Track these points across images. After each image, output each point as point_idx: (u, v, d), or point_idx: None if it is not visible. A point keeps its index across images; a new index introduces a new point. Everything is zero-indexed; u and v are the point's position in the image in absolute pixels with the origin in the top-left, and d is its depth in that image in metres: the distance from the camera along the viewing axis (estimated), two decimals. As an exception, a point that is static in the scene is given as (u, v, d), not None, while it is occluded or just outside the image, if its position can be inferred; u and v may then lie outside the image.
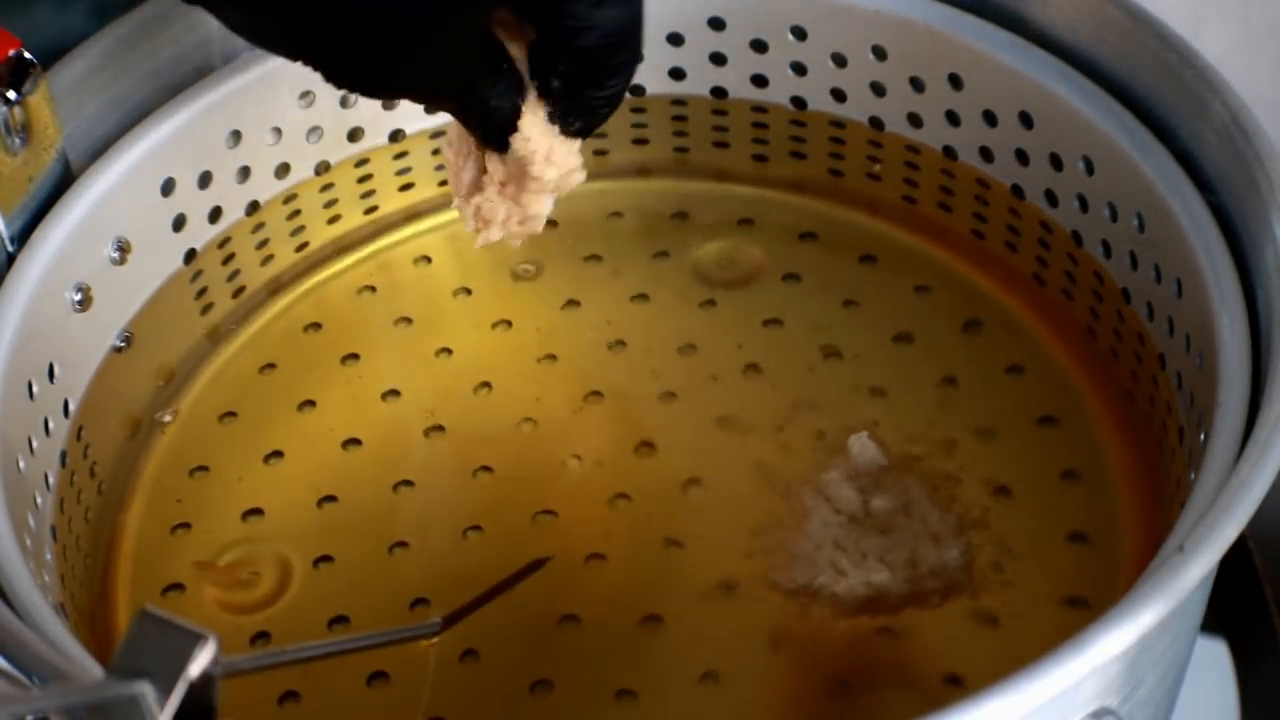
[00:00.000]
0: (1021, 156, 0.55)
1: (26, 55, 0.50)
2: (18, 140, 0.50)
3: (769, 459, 0.52)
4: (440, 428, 0.54)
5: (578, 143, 0.46)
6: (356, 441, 0.53)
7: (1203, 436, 0.45)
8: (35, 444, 0.49)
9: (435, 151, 0.60)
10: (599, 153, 0.60)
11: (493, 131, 0.46)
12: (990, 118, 0.55)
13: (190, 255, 0.56)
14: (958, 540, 0.49)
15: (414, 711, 0.47)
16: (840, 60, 0.58)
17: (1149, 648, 0.40)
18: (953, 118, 0.56)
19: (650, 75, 0.60)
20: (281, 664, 0.44)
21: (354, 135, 0.59)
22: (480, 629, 0.48)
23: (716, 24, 0.59)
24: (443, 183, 0.60)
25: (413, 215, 0.59)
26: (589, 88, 0.45)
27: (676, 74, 0.60)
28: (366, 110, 0.58)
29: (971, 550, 0.49)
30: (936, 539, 0.49)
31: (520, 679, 0.48)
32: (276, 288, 0.57)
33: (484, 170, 0.48)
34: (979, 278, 0.56)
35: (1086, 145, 0.52)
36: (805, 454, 0.52)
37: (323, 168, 0.59)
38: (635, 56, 0.45)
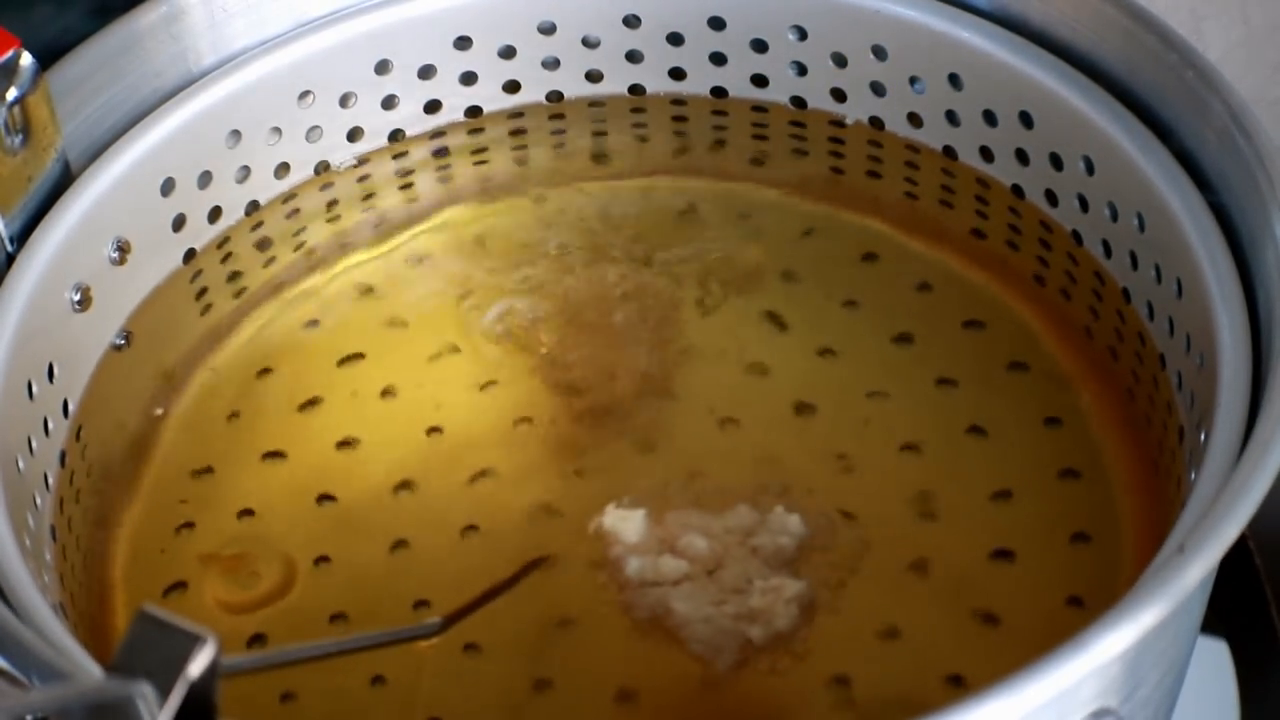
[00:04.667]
0: (1021, 156, 0.55)
1: (26, 55, 0.50)
2: (17, 140, 0.50)
3: (770, 459, 0.52)
4: (440, 428, 0.53)
5: None
6: (356, 441, 0.53)
7: (1203, 436, 0.45)
8: (35, 444, 0.49)
9: (435, 151, 0.60)
10: (599, 152, 0.60)
11: None
12: (990, 118, 0.55)
13: (190, 255, 0.56)
14: (767, 517, 0.49)
15: (413, 711, 0.47)
16: (840, 60, 0.58)
17: (1149, 648, 0.40)
18: (953, 118, 0.56)
19: (650, 75, 0.60)
20: (281, 664, 0.44)
21: (354, 135, 0.59)
22: (480, 629, 0.48)
23: (716, 24, 0.59)
24: (443, 181, 0.60)
25: (413, 215, 0.59)
26: None
27: (676, 74, 0.60)
28: (366, 110, 0.59)
29: (800, 507, 0.50)
30: (757, 531, 0.49)
31: (520, 679, 0.48)
32: (276, 288, 0.57)
33: None
34: (979, 278, 0.56)
35: (1086, 145, 0.52)
36: (809, 454, 0.52)
37: (322, 168, 0.59)
38: None
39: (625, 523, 0.50)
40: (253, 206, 0.58)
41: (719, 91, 0.60)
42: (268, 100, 0.56)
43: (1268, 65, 0.75)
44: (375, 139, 0.59)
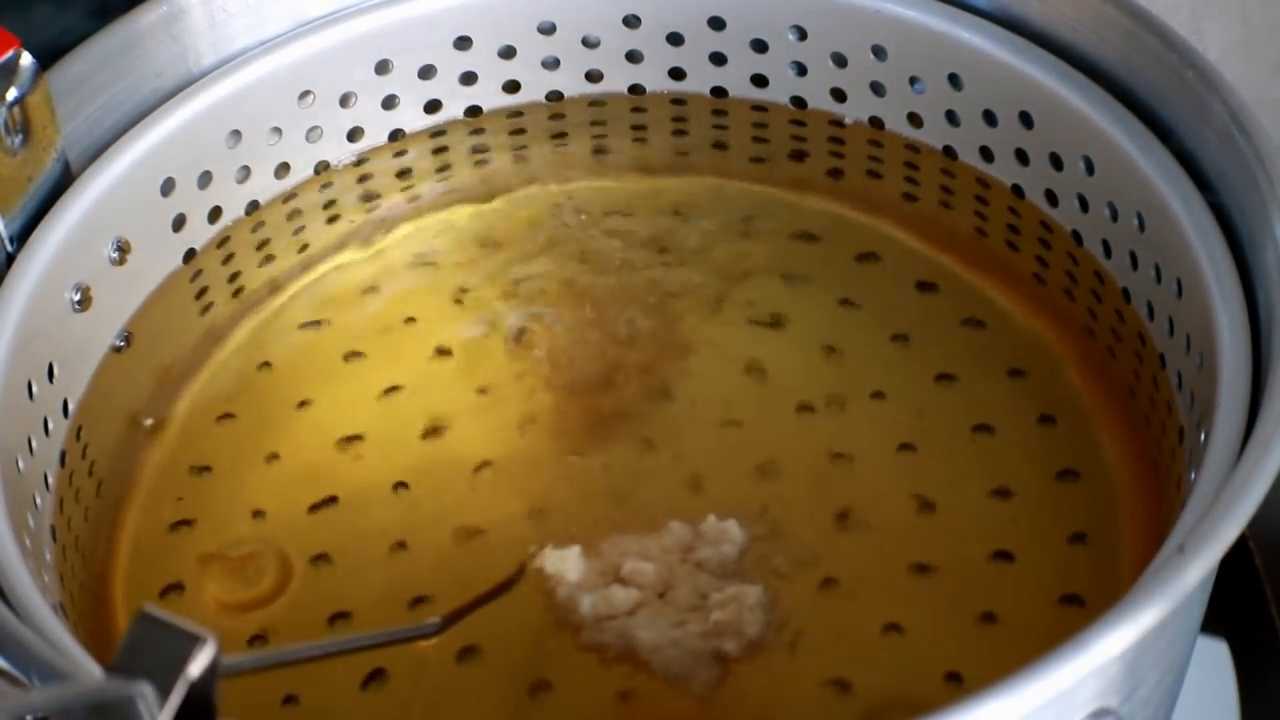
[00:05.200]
0: (1021, 156, 0.55)
1: (26, 55, 0.50)
2: (17, 140, 0.50)
3: (771, 458, 0.52)
4: (440, 428, 0.53)
5: None
6: (356, 441, 0.53)
7: (1203, 436, 0.45)
8: (35, 444, 0.49)
9: (435, 151, 0.60)
10: (599, 151, 0.60)
11: None
12: (990, 118, 0.55)
13: (190, 255, 0.56)
14: (701, 528, 0.49)
15: (413, 711, 0.47)
16: (840, 60, 0.58)
17: (1149, 648, 0.40)
18: (952, 118, 0.56)
19: (650, 75, 0.60)
20: (281, 664, 0.44)
21: (354, 135, 0.59)
22: (480, 629, 0.48)
23: (716, 24, 0.59)
24: (443, 181, 0.60)
25: (413, 215, 0.59)
26: None
27: (676, 74, 0.60)
28: (366, 110, 0.59)
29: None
30: (696, 545, 0.49)
31: (520, 679, 0.48)
32: (276, 288, 0.57)
33: None
34: (979, 277, 0.56)
35: (1086, 145, 0.52)
36: (808, 454, 0.52)
37: (322, 167, 0.59)
38: None
39: (564, 562, 0.49)
40: (253, 206, 0.58)
41: (719, 91, 0.60)
42: (268, 100, 0.56)
43: (1268, 65, 0.75)
44: (375, 139, 0.59)
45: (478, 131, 0.60)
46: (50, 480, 0.50)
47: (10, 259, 0.50)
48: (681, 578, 0.48)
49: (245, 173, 0.57)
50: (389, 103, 0.59)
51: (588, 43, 0.60)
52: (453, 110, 0.60)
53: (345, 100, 0.58)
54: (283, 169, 0.58)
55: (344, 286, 0.58)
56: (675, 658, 0.47)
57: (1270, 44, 0.75)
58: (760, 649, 0.47)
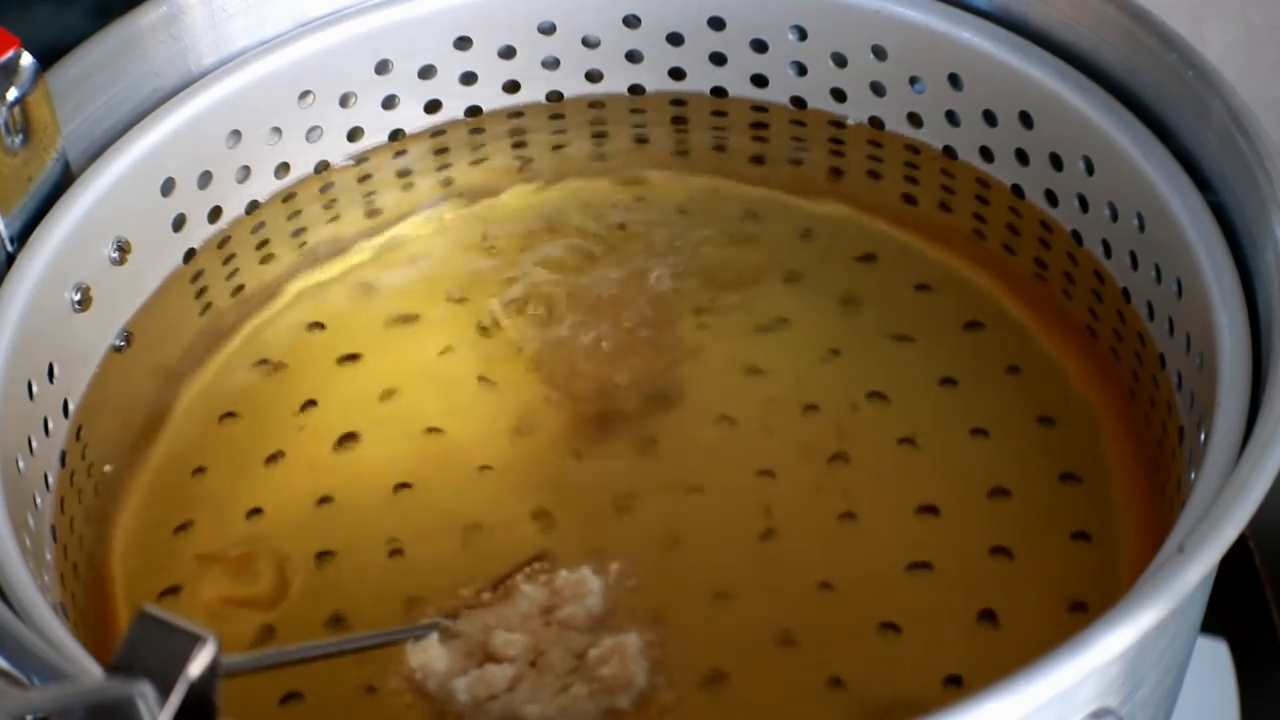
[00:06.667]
0: (1021, 156, 0.55)
1: (26, 55, 0.50)
2: (17, 140, 0.50)
3: (771, 460, 0.52)
4: (440, 428, 0.53)
5: None
6: (356, 441, 0.53)
7: (1203, 436, 0.45)
8: (35, 444, 0.49)
9: (435, 151, 0.60)
10: (599, 151, 0.60)
11: None
12: (990, 118, 0.55)
13: (190, 255, 0.56)
14: (555, 585, 0.48)
15: (414, 711, 0.47)
16: (840, 60, 0.58)
17: (1149, 648, 0.40)
18: (953, 118, 0.56)
19: (650, 75, 0.60)
20: (281, 664, 0.44)
21: (354, 135, 0.59)
22: (480, 629, 0.48)
23: (716, 24, 0.59)
24: (443, 181, 0.60)
25: (412, 215, 0.59)
26: None
27: (676, 74, 0.60)
28: (366, 110, 0.59)
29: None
30: (556, 605, 0.48)
31: (520, 679, 0.48)
32: (276, 287, 0.57)
33: None
34: (979, 277, 0.56)
35: (1086, 145, 0.52)
36: (808, 454, 0.52)
37: (322, 167, 0.59)
38: None
39: (427, 652, 0.47)
40: (253, 206, 0.58)
41: (719, 91, 0.60)
42: (268, 100, 0.56)
43: (1268, 65, 0.75)
44: (375, 139, 0.59)
45: (478, 131, 0.60)
46: (50, 480, 0.50)
47: (10, 259, 0.50)
48: (550, 641, 0.47)
49: (245, 173, 0.57)
50: (389, 103, 0.59)
51: (588, 43, 0.60)
52: (453, 110, 0.60)
53: (345, 100, 0.58)
54: (283, 169, 0.58)
55: (344, 286, 0.58)
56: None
57: (1270, 44, 0.75)
58: (651, 696, 0.46)
